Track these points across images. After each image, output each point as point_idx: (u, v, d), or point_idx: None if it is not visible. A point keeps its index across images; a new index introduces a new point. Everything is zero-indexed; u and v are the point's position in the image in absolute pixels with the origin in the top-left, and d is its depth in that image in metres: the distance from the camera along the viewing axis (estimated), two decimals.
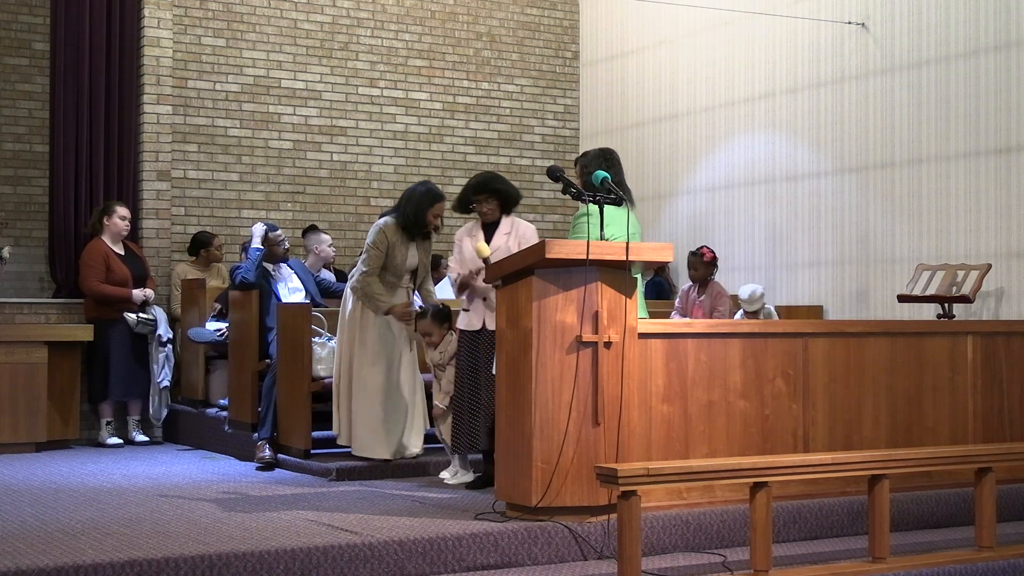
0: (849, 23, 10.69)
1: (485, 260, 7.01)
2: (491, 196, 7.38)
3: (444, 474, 7.70)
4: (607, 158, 7.37)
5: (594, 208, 6.71)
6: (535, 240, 6.87)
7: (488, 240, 7.30)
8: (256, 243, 8.87)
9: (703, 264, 9.51)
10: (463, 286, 7.36)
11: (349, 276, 8.11)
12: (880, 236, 10.44)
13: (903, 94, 10.29)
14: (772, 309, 10.05)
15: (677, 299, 10.03)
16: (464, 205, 7.53)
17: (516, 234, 7.35)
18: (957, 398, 7.61)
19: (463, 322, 7.41)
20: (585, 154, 7.57)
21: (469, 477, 7.56)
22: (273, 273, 8.98)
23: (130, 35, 11.07)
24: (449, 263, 7.83)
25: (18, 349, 9.44)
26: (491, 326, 7.07)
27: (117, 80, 10.98)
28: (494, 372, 6.63)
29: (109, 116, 10.93)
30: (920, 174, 10.14)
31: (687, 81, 12.34)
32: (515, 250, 6.92)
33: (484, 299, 7.24)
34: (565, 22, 13.59)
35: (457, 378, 7.43)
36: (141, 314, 9.93)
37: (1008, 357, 7.83)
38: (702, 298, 9.41)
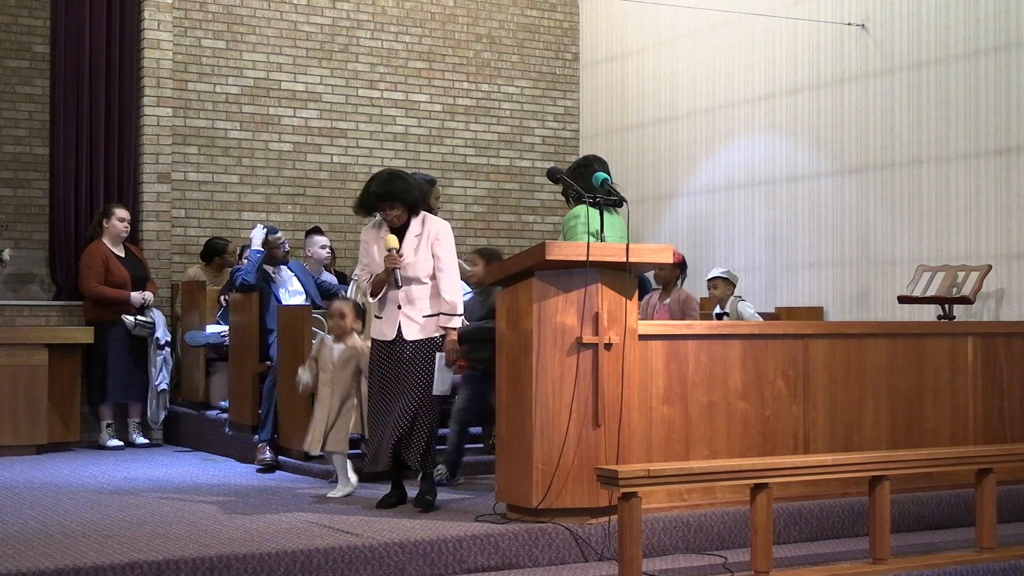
0: (849, 24, 10.69)
1: (392, 251, 6.62)
2: (396, 202, 6.68)
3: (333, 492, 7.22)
4: (584, 163, 7.47)
5: (582, 209, 6.75)
6: (448, 236, 6.77)
7: (399, 239, 6.73)
8: (256, 245, 8.87)
9: (669, 265, 8.53)
10: (379, 284, 6.72)
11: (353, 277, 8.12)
12: (880, 237, 10.44)
13: (903, 95, 10.29)
14: (748, 310, 9.08)
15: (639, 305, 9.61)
16: (367, 209, 6.86)
17: (427, 234, 6.74)
18: (957, 399, 7.61)
19: (375, 331, 6.80)
20: (554, 171, 7.13)
21: (348, 489, 7.14)
22: (274, 276, 8.98)
23: (130, 38, 11.08)
24: (356, 271, 7.13)
25: (19, 351, 9.45)
26: (409, 336, 6.67)
27: (117, 82, 10.98)
28: (437, 392, 6.67)
29: (109, 118, 10.94)
30: (920, 175, 10.13)
31: (687, 82, 12.34)
32: (426, 251, 6.70)
33: (399, 307, 6.67)
34: (565, 24, 13.59)
35: (368, 391, 6.88)
36: (139, 317, 9.93)
37: (1008, 358, 7.83)
38: (666, 302, 8.59)
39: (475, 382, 7.46)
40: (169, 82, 11.25)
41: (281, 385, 8.38)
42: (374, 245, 6.78)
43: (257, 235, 8.93)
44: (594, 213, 6.56)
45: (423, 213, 6.84)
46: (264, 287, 8.86)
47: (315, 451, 7.37)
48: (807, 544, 6.63)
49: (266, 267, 8.91)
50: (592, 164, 7.33)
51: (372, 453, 6.77)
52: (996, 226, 9.55)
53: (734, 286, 8.91)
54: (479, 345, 7.18)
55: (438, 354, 6.66)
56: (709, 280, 8.99)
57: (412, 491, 6.78)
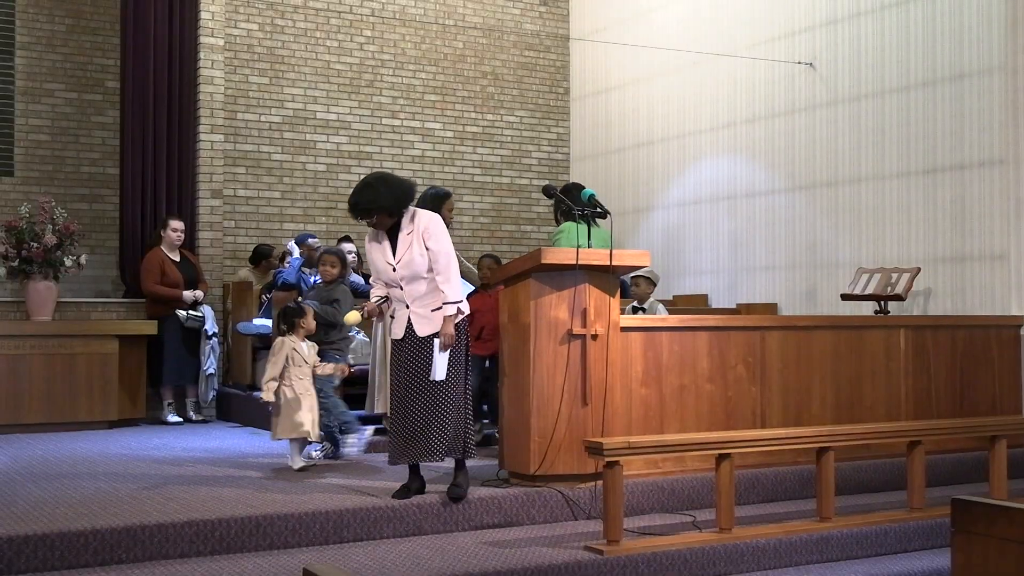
0: (799, 63, 10.68)
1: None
2: (368, 212, 5.97)
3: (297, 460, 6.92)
4: (569, 188, 7.42)
5: (568, 225, 6.74)
6: (436, 228, 5.94)
7: (394, 243, 6.00)
8: (296, 253, 8.93)
9: (646, 281, 8.28)
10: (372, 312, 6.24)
11: None
12: (825, 244, 10.43)
13: (845, 123, 10.28)
14: (662, 311, 8.38)
15: None
16: (356, 216, 6.14)
17: (417, 232, 5.94)
18: (892, 382, 7.61)
19: (391, 331, 6.13)
20: (545, 188, 6.99)
21: (299, 463, 6.84)
22: (312, 278, 8.97)
23: (188, 74, 11.07)
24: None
25: (93, 341, 9.44)
26: (421, 332, 5.90)
27: (177, 113, 10.97)
28: (435, 378, 5.83)
29: (170, 143, 10.92)
30: (860, 191, 10.12)
31: (661, 113, 12.33)
32: (420, 247, 5.91)
33: (407, 305, 5.96)
34: (557, 63, 13.57)
35: (390, 388, 6.22)
36: (191, 312, 9.92)
37: (935, 347, 7.83)
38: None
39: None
40: (221, 112, 11.23)
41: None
42: (372, 253, 6.09)
43: (294, 248, 9.02)
44: (582, 225, 6.55)
45: (412, 209, 6.04)
46: (302, 287, 8.84)
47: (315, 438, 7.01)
48: (763, 505, 6.64)
49: (305, 270, 8.89)
50: (578, 186, 7.34)
51: (397, 449, 5.96)
52: (924, 234, 9.54)
53: (655, 285, 8.37)
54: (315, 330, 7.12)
55: (436, 341, 5.85)
56: (632, 278, 8.26)
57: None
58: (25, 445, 8.23)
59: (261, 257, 10.94)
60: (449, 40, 12.89)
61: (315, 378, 7.02)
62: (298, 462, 6.87)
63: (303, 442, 6.98)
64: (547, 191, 6.95)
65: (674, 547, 5.57)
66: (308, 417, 6.80)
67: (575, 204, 6.70)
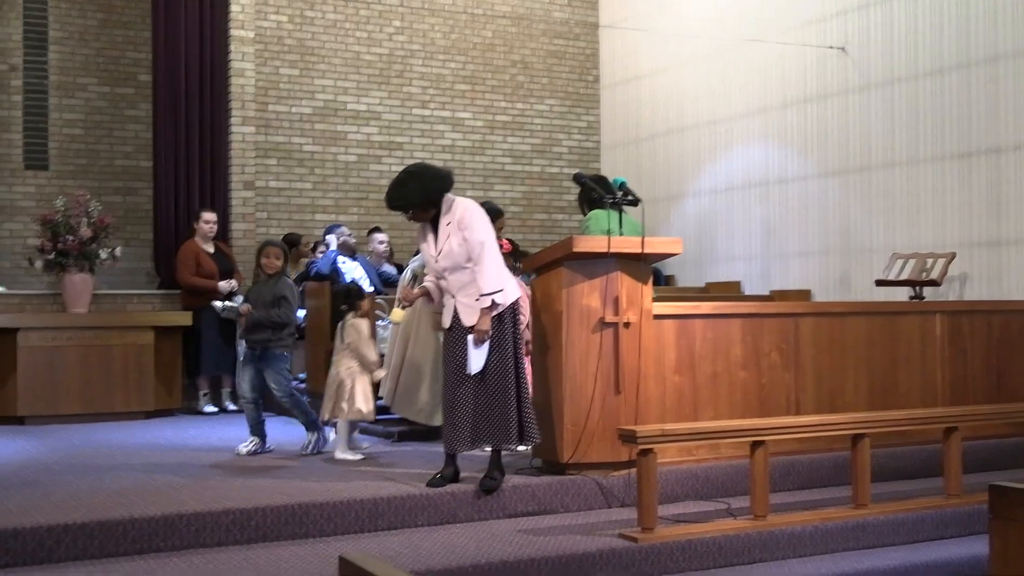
0: (831, 48, 10.59)
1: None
2: (401, 210, 6.02)
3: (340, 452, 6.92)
4: (596, 178, 7.28)
5: (596, 213, 6.71)
6: (473, 216, 5.86)
7: (437, 234, 5.96)
8: (332, 246, 8.95)
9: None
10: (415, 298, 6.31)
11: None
12: (859, 229, 10.35)
13: (878, 108, 10.19)
14: None
15: None
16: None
17: (456, 222, 5.86)
18: (927, 368, 7.55)
19: (442, 321, 6.11)
20: (575, 176, 7.05)
21: (351, 456, 6.80)
22: (345, 267, 8.99)
23: (219, 67, 11.12)
24: (415, 260, 6.50)
25: (129, 333, 9.51)
26: (467, 321, 5.83)
27: (209, 105, 11.02)
28: (470, 371, 5.78)
29: (202, 136, 10.99)
30: (893, 176, 10.04)
31: (692, 100, 12.27)
32: (457, 238, 5.85)
33: (453, 295, 5.93)
34: (587, 51, 13.53)
35: (442, 378, 6.17)
36: (226, 302, 9.96)
37: (971, 332, 7.75)
38: None
39: (255, 361, 7.21)
40: (252, 104, 11.28)
41: None
42: (420, 244, 6.11)
43: (331, 239, 9.03)
44: (613, 213, 6.53)
45: (451, 198, 5.94)
46: (335, 277, 8.88)
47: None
48: (798, 492, 6.60)
49: (340, 261, 8.92)
50: (606, 178, 7.29)
51: (448, 436, 5.89)
52: (959, 219, 9.45)
53: None
54: (256, 329, 7.13)
55: (469, 336, 5.81)
56: None
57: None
58: (63, 436, 8.31)
59: (290, 246, 10.98)
60: (478, 29, 12.88)
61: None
62: (344, 448, 6.89)
63: (354, 425, 7.03)
64: (578, 179, 6.93)
65: (708, 534, 5.55)
66: (363, 399, 6.85)
67: (606, 192, 6.68)
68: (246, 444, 7.24)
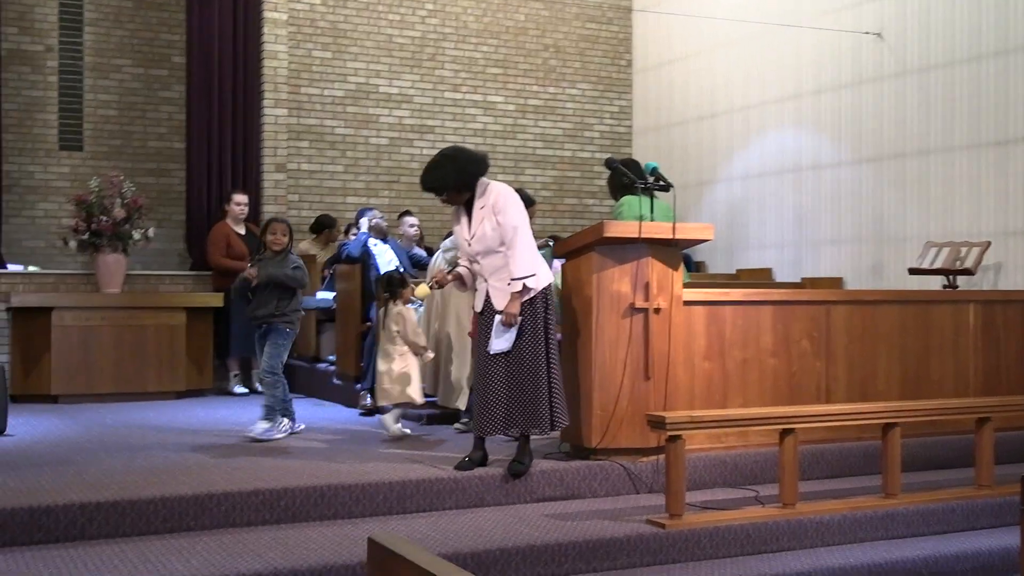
0: (866, 33, 10.49)
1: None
2: (441, 191, 5.97)
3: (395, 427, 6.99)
4: (628, 163, 7.20)
5: (628, 199, 6.67)
6: (507, 201, 5.86)
7: (471, 218, 5.96)
8: (363, 229, 8.96)
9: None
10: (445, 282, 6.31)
11: None
12: (893, 217, 10.27)
13: (913, 94, 10.09)
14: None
15: None
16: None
17: (489, 206, 5.87)
18: (960, 357, 7.49)
19: (475, 304, 6.16)
20: (607, 161, 7.02)
21: (399, 431, 6.90)
22: (377, 250, 9.00)
23: (252, 49, 11.15)
24: (447, 241, 6.70)
25: (161, 313, 9.58)
26: (499, 304, 5.83)
27: (242, 87, 11.07)
28: (490, 350, 5.79)
29: (235, 118, 11.03)
30: (928, 163, 9.95)
31: (725, 84, 12.20)
32: (490, 222, 5.85)
33: (485, 279, 5.94)
34: (620, 35, 13.47)
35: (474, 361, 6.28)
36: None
37: (1005, 322, 7.68)
38: None
39: (262, 338, 7.26)
40: (285, 87, 11.31)
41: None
42: (455, 228, 6.15)
43: (363, 222, 9.04)
44: (644, 198, 6.50)
45: (485, 182, 5.94)
46: (367, 260, 8.89)
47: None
48: (827, 481, 6.57)
49: (372, 243, 8.93)
50: (638, 162, 7.23)
51: (479, 419, 5.89)
52: (995, 207, 9.36)
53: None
54: (265, 300, 7.14)
55: (497, 317, 5.81)
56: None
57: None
58: (95, 415, 8.39)
59: (323, 227, 11.02)
60: (511, 13, 12.84)
61: (270, 356, 7.07)
62: (395, 430, 6.97)
63: (401, 410, 7.10)
64: (609, 163, 6.90)
65: (737, 522, 5.54)
66: (415, 384, 6.91)
67: (638, 177, 6.64)
68: (283, 427, 7.14)
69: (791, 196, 11.36)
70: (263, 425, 7.06)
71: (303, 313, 7.86)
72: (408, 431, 7.07)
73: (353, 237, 9.51)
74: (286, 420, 7.20)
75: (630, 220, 6.34)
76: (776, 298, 6.95)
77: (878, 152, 10.44)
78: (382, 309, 7.11)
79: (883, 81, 10.39)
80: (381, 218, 9.27)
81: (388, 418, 7.07)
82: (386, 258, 9.14)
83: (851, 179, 10.70)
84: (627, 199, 6.87)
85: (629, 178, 6.64)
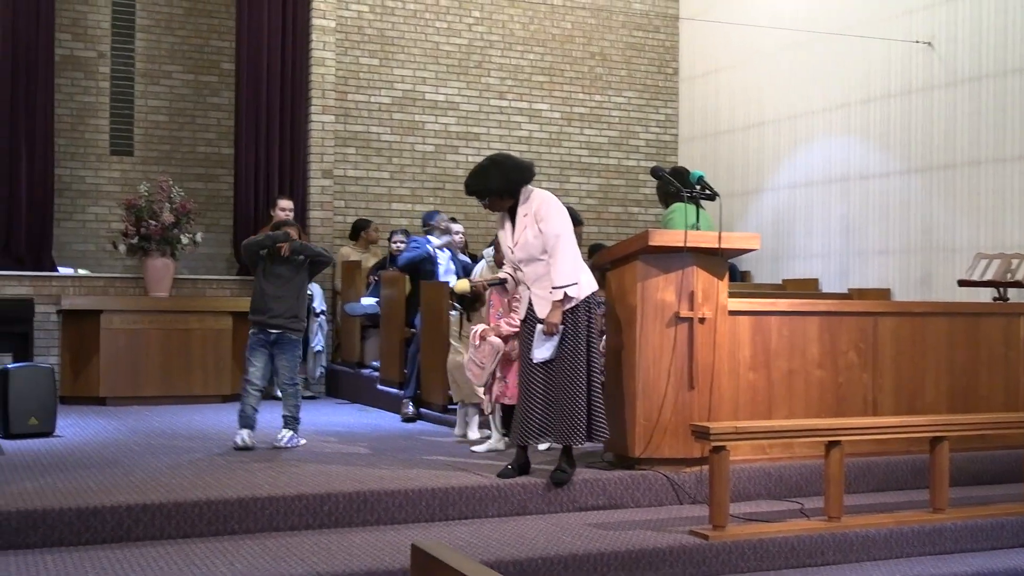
0: (917, 42, 10.38)
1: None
2: (483, 196, 5.99)
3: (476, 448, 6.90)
4: (676, 172, 7.12)
5: (678, 206, 6.64)
6: (550, 209, 5.82)
7: (513, 225, 5.95)
8: (436, 234, 8.97)
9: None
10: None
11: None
12: (942, 228, 10.15)
13: (964, 104, 9.97)
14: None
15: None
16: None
17: (532, 213, 5.85)
18: (1010, 370, 7.38)
19: (518, 311, 6.19)
20: (654, 170, 7.01)
21: (499, 444, 6.77)
22: (441, 257, 9.00)
23: (300, 56, 11.23)
24: (488, 251, 6.86)
25: (208, 317, 9.67)
26: (541, 312, 5.80)
27: (290, 94, 11.14)
28: (532, 358, 5.79)
29: (283, 124, 11.11)
30: (979, 174, 9.82)
31: (772, 93, 12.12)
32: (533, 229, 5.82)
33: (528, 287, 5.92)
34: (667, 43, 13.43)
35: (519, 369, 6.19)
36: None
37: None
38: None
39: (268, 346, 7.06)
40: (332, 93, 11.38)
41: (424, 349, 8.43)
42: (499, 235, 6.14)
43: (442, 220, 9.09)
44: (690, 207, 6.48)
45: (529, 189, 5.93)
46: (426, 268, 8.87)
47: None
48: (874, 494, 6.50)
49: (436, 247, 8.94)
50: (685, 170, 7.20)
51: (518, 427, 5.89)
52: None
53: None
54: (290, 271, 7.12)
55: (539, 326, 5.79)
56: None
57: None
58: (143, 417, 8.48)
59: (359, 230, 11.09)
60: (557, 21, 12.85)
61: (289, 369, 7.05)
62: (473, 432, 7.14)
63: (478, 411, 7.20)
64: (655, 172, 6.88)
65: (781, 534, 5.49)
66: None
67: (683, 186, 6.61)
68: (246, 436, 6.91)
69: (838, 206, 11.26)
70: (287, 433, 7.07)
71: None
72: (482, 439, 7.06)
73: (400, 244, 9.54)
74: (245, 431, 6.99)
75: (680, 227, 6.32)
76: (823, 309, 6.90)
77: (927, 162, 10.32)
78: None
79: (933, 90, 10.28)
80: (449, 221, 9.32)
81: (468, 419, 7.26)
82: (447, 264, 9.16)
83: (900, 189, 10.59)
84: (677, 206, 6.85)
85: (675, 186, 6.62)
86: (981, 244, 9.70)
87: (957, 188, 10.02)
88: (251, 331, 7.08)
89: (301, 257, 7.16)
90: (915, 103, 10.45)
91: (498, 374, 6.64)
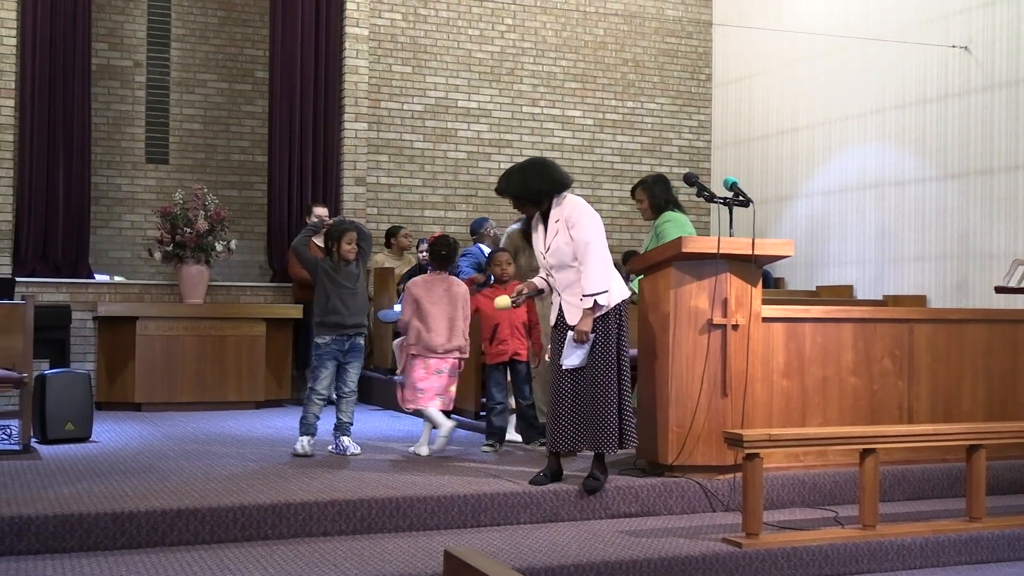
0: (953, 47, 10.31)
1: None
2: (507, 198, 6.07)
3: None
4: (662, 180, 7.31)
5: (673, 215, 6.71)
6: (581, 215, 5.79)
7: (546, 230, 5.91)
8: (485, 242, 9.10)
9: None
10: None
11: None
12: (979, 234, 10.06)
13: (1002, 109, 9.89)
14: None
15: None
16: None
17: (564, 219, 5.81)
18: None
19: (549, 318, 6.13)
20: (644, 180, 7.29)
21: (423, 449, 6.89)
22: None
23: (333, 64, 11.30)
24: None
25: (242, 324, 9.73)
26: (572, 319, 5.77)
27: (323, 101, 11.21)
28: (563, 365, 5.77)
29: (316, 132, 11.17)
30: (1017, 180, 9.73)
31: (806, 99, 12.07)
32: (564, 236, 5.80)
33: (559, 293, 5.89)
34: (700, 49, 13.41)
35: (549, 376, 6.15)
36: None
37: None
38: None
39: (339, 356, 7.05)
40: (365, 101, 11.44)
41: None
42: (533, 241, 6.07)
43: (486, 249, 9.22)
44: (684, 216, 6.54)
45: (563, 196, 5.89)
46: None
47: None
48: (909, 503, 6.45)
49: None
50: (665, 180, 7.34)
51: (549, 434, 5.89)
52: None
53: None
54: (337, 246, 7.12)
55: (569, 333, 5.76)
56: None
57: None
58: (178, 423, 8.55)
59: (390, 235, 11.15)
60: (590, 27, 12.86)
61: (356, 374, 7.11)
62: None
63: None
64: (688, 179, 6.87)
65: (815, 543, 5.46)
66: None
67: (667, 196, 6.68)
68: (307, 443, 6.92)
69: (873, 212, 11.19)
70: (348, 440, 7.06)
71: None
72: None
73: (425, 254, 9.57)
74: (307, 438, 6.98)
75: (675, 236, 6.37)
76: (857, 315, 6.85)
77: (964, 168, 10.24)
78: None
79: (970, 95, 10.20)
80: (495, 227, 9.39)
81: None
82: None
83: (936, 195, 10.51)
84: (669, 215, 6.93)
85: (708, 192, 6.61)
86: (1019, 250, 9.61)
87: (994, 194, 9.94)
88: (321, 341, 6.98)
89: (355, 265, 7.06)
90: (952, 108, 10.38)
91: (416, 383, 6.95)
